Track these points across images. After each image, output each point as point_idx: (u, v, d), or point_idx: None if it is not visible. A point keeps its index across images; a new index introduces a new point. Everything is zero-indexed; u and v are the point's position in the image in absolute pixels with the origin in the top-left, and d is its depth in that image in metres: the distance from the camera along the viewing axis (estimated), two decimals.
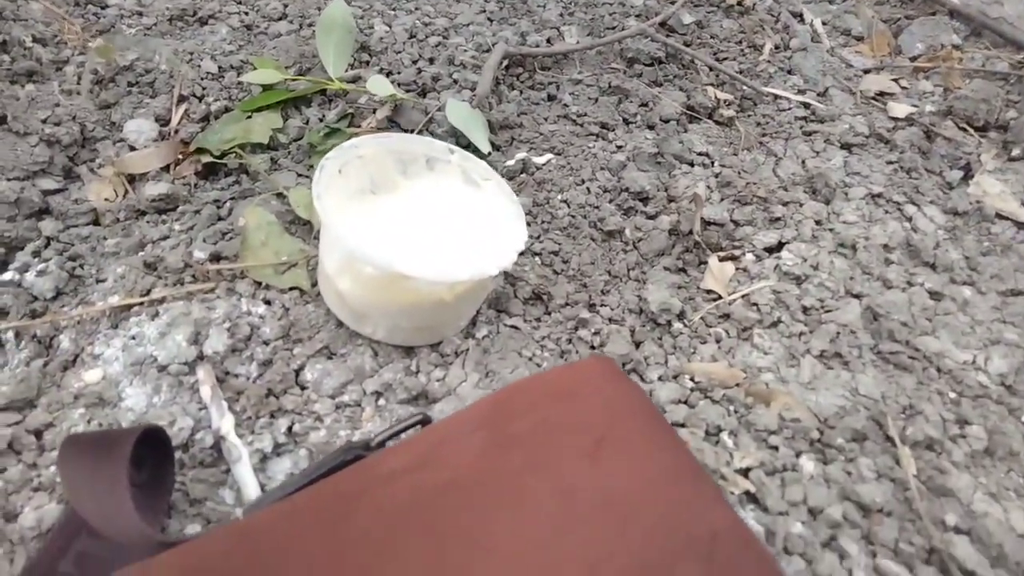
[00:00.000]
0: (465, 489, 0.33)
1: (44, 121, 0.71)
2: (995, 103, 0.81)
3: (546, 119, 0.79)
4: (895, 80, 0.86)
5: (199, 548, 0.34)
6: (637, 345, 0.61)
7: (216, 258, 0.63)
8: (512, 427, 0.35)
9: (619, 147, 0.76)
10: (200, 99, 0.79)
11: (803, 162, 0.77)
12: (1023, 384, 0.59)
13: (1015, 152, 0.77)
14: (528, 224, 0.68)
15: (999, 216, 0.72)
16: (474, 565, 0.30)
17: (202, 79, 0.80)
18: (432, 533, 0.31)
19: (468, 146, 0.74)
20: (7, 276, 0.62)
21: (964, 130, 0.81)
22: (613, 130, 0.78)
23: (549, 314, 0.63)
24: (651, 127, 0.80)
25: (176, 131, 0.76)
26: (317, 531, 0.33)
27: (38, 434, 0.53)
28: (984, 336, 0.62)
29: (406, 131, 0.75)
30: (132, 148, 0.73)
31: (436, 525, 0.31)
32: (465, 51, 0.84)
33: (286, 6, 0.90)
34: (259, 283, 0.62)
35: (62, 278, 0.61)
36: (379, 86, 0.75)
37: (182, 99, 0.80)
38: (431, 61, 0.84)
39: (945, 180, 0.77)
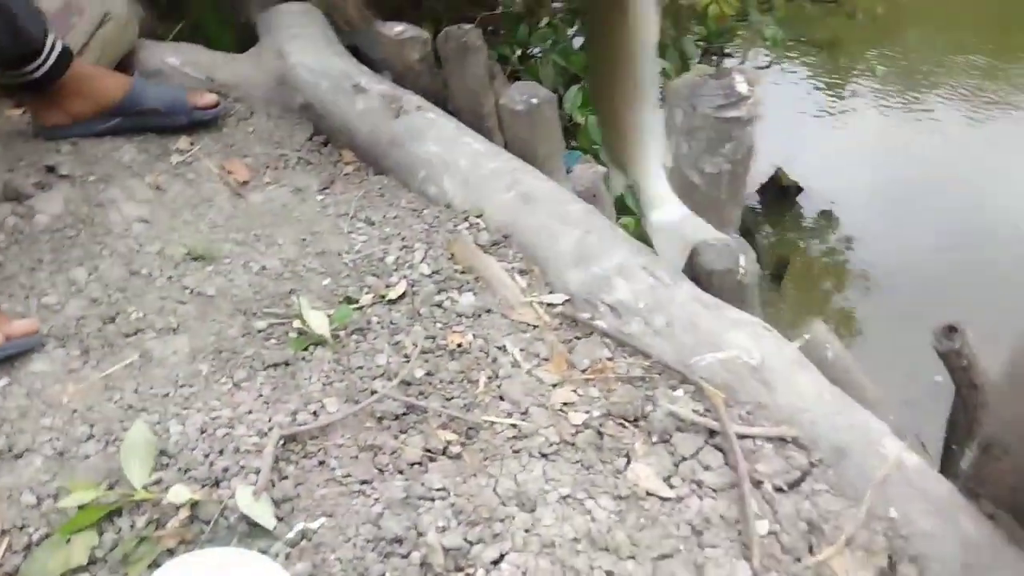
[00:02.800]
0: None
1: None
2: (636, 402, 1.15)
3: (318, 485, 1.02)
4: (574, 390, 1.20)
5: None
6: None
7: None
8: None
9: (376, 499, 1.01)
10: (21, 529, 0.94)
11: (515, 477, 1.05)
12: None
13: (654, 439, 1.11)
14: None
15: (648, 493, 1.03)
16: None
17: (22, 511, 0.96)
18: None
19: (256, 525, 0.95)
20: None
21: (622, 425, 1.14)
22: (371, 483, 1.03)
23: None
24: (400, 472, 1.05)
25: (1, 564, 0.91)
26: None
27: None
28: None
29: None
30: None
31: None
32: (248, 438, 1.07)
33: (92, 427, 1.09)
34: None
35: None
36: (178, 495, 0.96)
37: (3, 533, 0.94)
38: (221, 452, 1.06)
39: (616, 468, 1.08)
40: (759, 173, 4.79)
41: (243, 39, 2.33)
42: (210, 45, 2.22)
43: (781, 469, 1.05)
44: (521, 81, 1.98)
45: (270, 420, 1.12)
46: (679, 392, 1.18)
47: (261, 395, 1.17)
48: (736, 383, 1.16)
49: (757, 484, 1.03)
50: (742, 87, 1.35)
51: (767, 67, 4.84)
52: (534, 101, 1.78)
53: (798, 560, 0.94)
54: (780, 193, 4.64)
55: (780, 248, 4.34)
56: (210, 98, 1.87)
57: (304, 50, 2.05)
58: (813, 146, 5.30)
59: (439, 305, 1.37)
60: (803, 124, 5.51)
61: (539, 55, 3.00)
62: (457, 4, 2.84)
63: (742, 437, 1.08)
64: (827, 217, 4.75)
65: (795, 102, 5.63)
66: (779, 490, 1.02)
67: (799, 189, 4.63)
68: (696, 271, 1.41)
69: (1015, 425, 0.93)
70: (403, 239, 1.54)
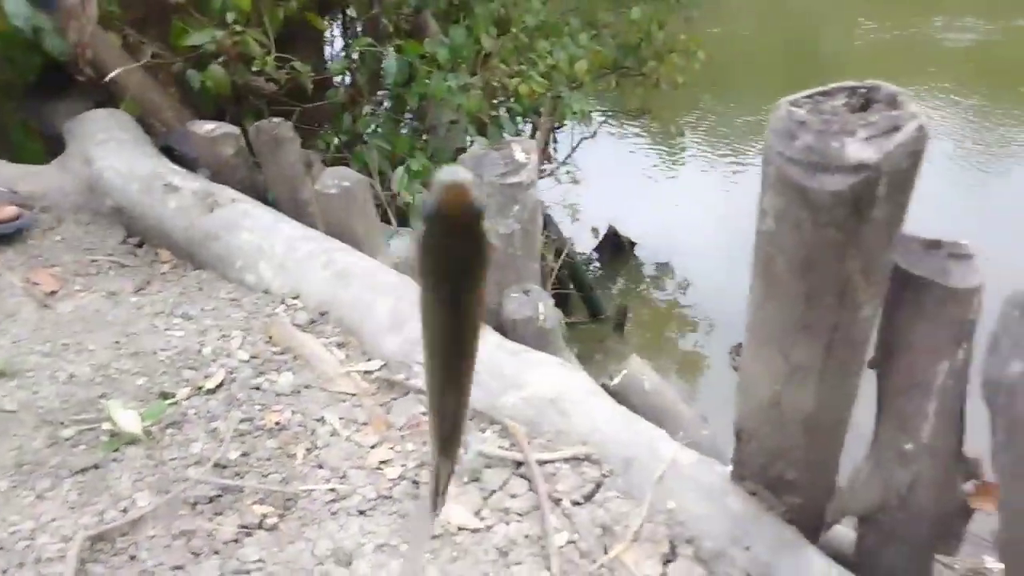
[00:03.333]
0: None
1: None
2: None
3: None
4: (391, 448, 1.26)
5: None
6: None
7: None
8: None
9: None
10: None
11: (332, 537, 1.09)
12: None
13: (465, 479, 1.18)
14: None
15: (460, 529, 1.10)
16: None
17: None
18: None
19: None
20: None
21: None
22: (183, 568, 1.03)
23: None
24: (216, 552, 1.06)
25: None
26: None
27: None
28: None
29: None
30: None
31: None
32: (51, 546, 1.05)
33: None
34: None
35: None
36: None
37: None
38: (21, 565, 1.02)
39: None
40: (595, 231, 5.15)
41: (53, 149, 2.30)
42: (17, 157, 2.17)
43: (577, 484, 1.15)
44: (335, 167, 2.08)
45: (76, 524, 1.09)
46: (488, 432, 1.27)
47: (67, 501, 1.14)
48: (538, 416, 1.27)
49: (557, 502, 1.12)
50: (520, 156, 1.51)
51: (592, 136, 5.25)
52: (346, 184, 1.88)
53: (594, 561, 1.03)
54: (616, 249, 4.99)
55: (621, 299, 4.64)
56: (9, 211, 1.83)
57: (112, 154, 2.06)
58: (644, 204, 5.75)
59: (257, 388, 1.40)
60: (633, 185, 5.99)
61: (365, 140, 3.12)
62: (278, 98, 2.94)
63: (544, 463, 1.18)
64: (664, 268, 5.14)
65: (623, 166, 6.12)
66: (576, 503, 1.12)
67: (633, 244, 5.00)
68: (501, 321, 1.53)
69: (752, 414, 1.09)
70: (221, 329, 1.56)
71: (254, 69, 2.63)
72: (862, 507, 1.14)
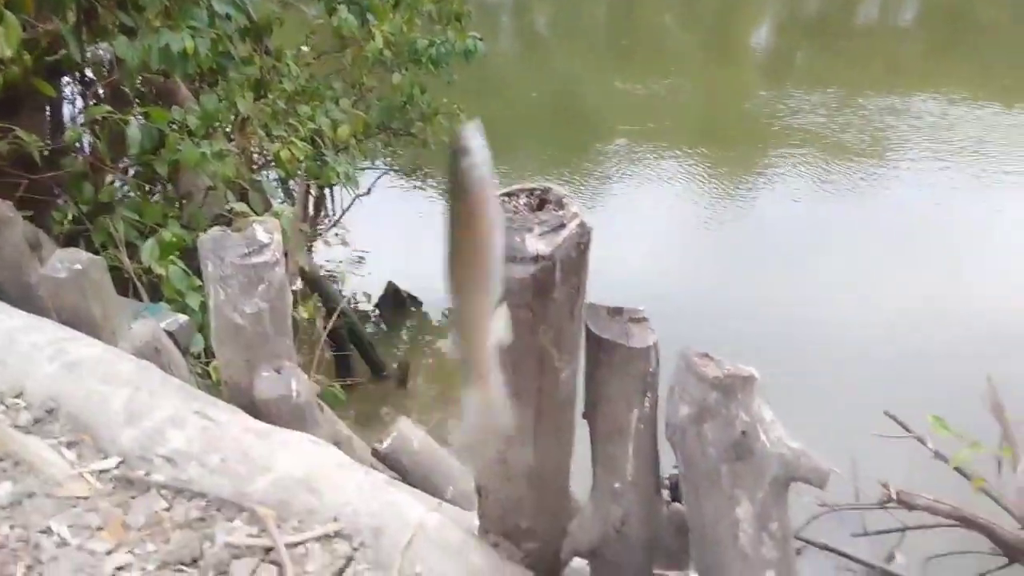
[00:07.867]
0: None
1: None
2: (193, 543, 1.20)
3: None
4: (129, 551, 1.20)
5: None
6: None
7: None
8: None
9: None
10: None
11: None
12: None
13: (211, 574, 1.16)
14: None
15: None
16: None
17: None
18: None
19: None
20: None
21: (180, 571, 1.17)
22: None
23: None
24: None
25: None
26: None
27: None
28: None
29: None
30: None
31: None
32: None
33: None
34: None
35: None
36: None
37: None
38: None
39: None
40: (377, 287, 5.19)
41: None
42: None
43: (327, 562, 1.17)
44: (66, 249, 1.93)
45: None
46: (236, 522, 1.25)
47: None
48: (288, 497, 1.28)
49: None
50: (263, 236, 1.53)
51: (367, 193, 5.31)
52: (77, 267, 1.76)
53: None
54: (397, 305, 5.06)
55: (407, 354, 4.68)
56: None
57: None
58: (427, 257, 5.88)
59: None
60: (414, 238, 6.11)
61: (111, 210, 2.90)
62: (2, 169, 2.66)
63: (293, 545, 1.19)
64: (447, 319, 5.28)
65: (403, 220, 6.22)
66: None
67: (414, 299, 5.09)
68: (254, 402, 1.52)
69: (485, 471, 1.20)
70: None
71: None
72: (588, 543, 1.29)
